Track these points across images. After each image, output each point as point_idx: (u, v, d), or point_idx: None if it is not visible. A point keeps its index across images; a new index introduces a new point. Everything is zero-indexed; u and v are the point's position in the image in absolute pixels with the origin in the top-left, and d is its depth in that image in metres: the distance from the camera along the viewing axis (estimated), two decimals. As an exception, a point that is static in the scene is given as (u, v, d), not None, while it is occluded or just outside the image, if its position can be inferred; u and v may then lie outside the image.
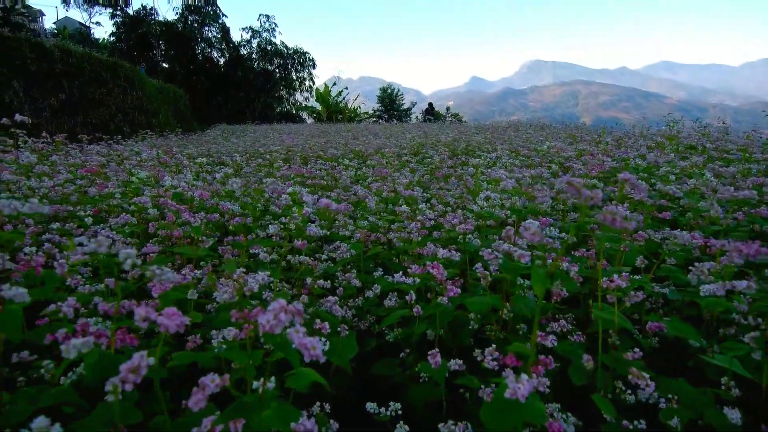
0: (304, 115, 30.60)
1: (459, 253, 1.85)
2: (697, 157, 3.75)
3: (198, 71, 28.13)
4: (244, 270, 1.27)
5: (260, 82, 29.21)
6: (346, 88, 28.52)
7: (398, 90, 31.91)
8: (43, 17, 32.28)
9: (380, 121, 28.85)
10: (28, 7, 26.69)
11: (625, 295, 1.39)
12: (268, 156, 5.81)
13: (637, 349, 1.35)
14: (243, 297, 1.20)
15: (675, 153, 4.34)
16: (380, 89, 32.08)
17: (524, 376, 0.89)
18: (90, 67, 13.94)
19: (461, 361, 1.33)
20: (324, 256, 2.49)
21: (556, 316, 1.68)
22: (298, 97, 31.38)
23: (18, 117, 4.13)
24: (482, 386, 1.18)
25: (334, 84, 28.95)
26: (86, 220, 2.44)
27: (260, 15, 30.32)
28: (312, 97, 30.82)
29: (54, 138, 5.31)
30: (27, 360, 1.29)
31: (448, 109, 32.03)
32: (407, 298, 1.63)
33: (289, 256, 2.34)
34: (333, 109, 27.38)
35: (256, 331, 1.06)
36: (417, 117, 30.26)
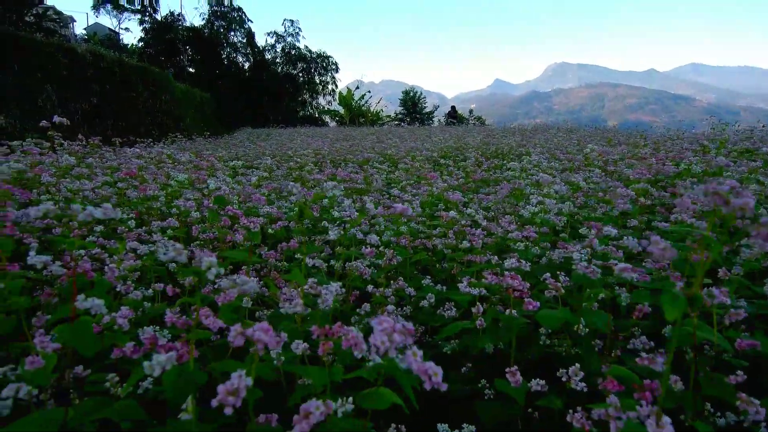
0: (327, 118, 30.75)
1: (526, 262, 1.74)
2: (753, 162, 3.56)
3: (223, 75, 28.52)
4: (315, 281, 1.19)
5: (284, 86, 29.46)
6: (369, 92, 28.57)
7: (421, 93, 31.82)
8: (74, 23, 33.17)
9: (402, 124, 28.79)
10: (60, 14, 27.41)
11: (725, 311, 1.27)
12: (298, 159, 5.77)
13: (740, 372, 1.23)
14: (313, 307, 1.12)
15: (725, 157, 4.14)
16: (403, 92, 32.05)
17: (666, 419, 0.78)
18: (120, 71, 14.21)
19: (543, 381, 1.23)
20: (366, 262, 2.41)
21: (634, 332, 1.56)
22: (321, 100, 31.57)
23: (56, 118, 4.16)
24: (569, 410, 1.08)
25: (357, 87, 29.03)
26: (129, 223, 2.41)
27: (285, 20, 30.67)
28: (334, 100, 30.93)
29: (89, 140, 5.37)
30: (81, 375, 1.23)
31: (471, 111, 31.81)
32: (474, 309, 1.53)
33: (332, 261, 2.27)
34: (355, 112, 27.45)
35: (337, 348, 0.98)
36: (439, 120, 30.12)
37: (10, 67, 10.29)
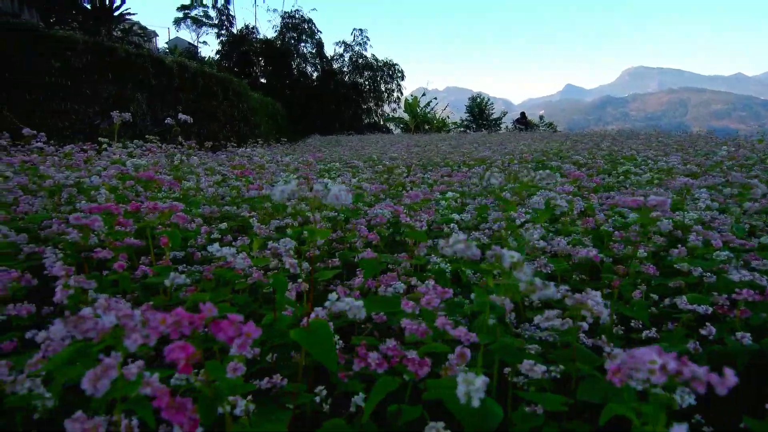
0: (391, 125, 30.74)
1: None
2: None
3: (293, 85, 29.35)
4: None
5: (350, 94, 29.84)
6: (435, 99, 28.23)
7: (488, 99, 31.07)
8: (157, 38, 35.54)
9: (467, 131, 28.21)
10: (144, 29, 29.41)
11: None
12: (386, 162, 5.53)
13: None
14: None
15: None
16: (469, 99, 31.42)
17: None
18: (203, 81, 14.82)
19: None
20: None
21: None
22: (386, 108, 31.66)
23: (182, 116, 4.17)
24: None
25: (423, 94, 28.76)
26: (251, 221, 2.25)
27: (354, 29, 31.18)
28: (399, 108, 30.89)
29: (185, 144, 5.46)
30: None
31: (541, 118, 30.61)
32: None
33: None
34: (421, 119, 27.19)
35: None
36: (507, 127, 29.20)
37: (106, 78, 10.93)
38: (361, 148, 10.89)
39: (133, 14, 28.99)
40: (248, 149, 6.24)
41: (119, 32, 23.92)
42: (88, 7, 26.54)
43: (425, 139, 14.42)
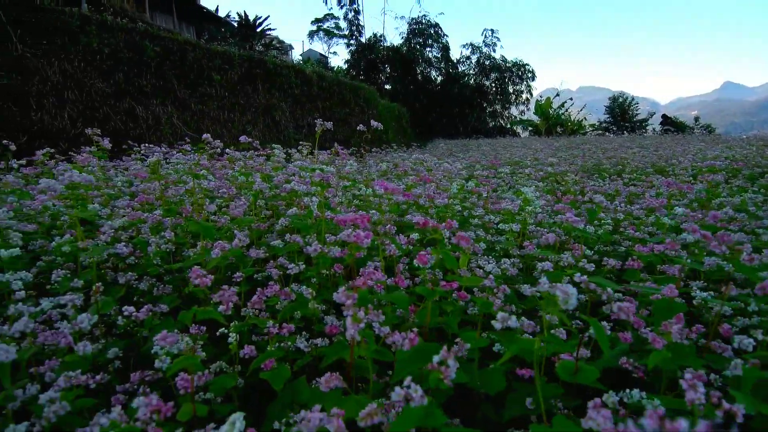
0: (518, 128, 29.27)
1: None
2: None
3: (416, 90, 29.48)
4: None
5: (474, 97, 29.11)
6: (571, 99, 26.18)
7: (632, 99, 28.05)
8: (292, 50, 38.31)
9: (606, 133, 25.70)
10: (282, 42, 31.80)
11: None
12: (549, 168, 4.96)
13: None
14: None
15: None
16: (609, 98, 28.72)
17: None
18: (338, 89, 15.37)
19: None
20: None
21: None
22: (513, 110, 30.29)
23: (322, 122, 4.09)
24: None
25: (557, 95, 26.89)
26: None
27: (484, 29, 30.31)
28: (528, 110, 29.33)
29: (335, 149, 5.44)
30: None
31: (696, 119, 26.86)
32: None
33: None
34: (554, 121, 25.38)
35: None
36: (654, 129, 26.08)
37: (256, 88, 11.77)
38: (496, 152, 10.27)
39: (273, 29, 31.54)
40: (401, 153, 6.08)
41: (261, 46, 26.18)
42: (235, 24, 29.51)
43: (565, 143, 13.28)
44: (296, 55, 38.36)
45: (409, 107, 26.01)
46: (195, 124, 9.43)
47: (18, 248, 1.69)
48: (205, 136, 4.07)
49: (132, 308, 1.49)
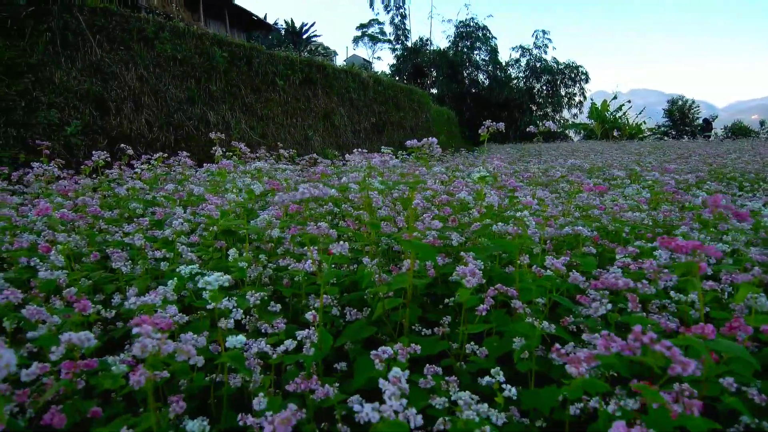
0: (571, 132, 28.27)
1: None
2: None
3: (463, 94, 29.00)
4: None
5: (524, 100, 28.37)
6: (629, 101, 25.00)
7: (692, 102, 26.60)
8: (336, 56, 38.59)
9: (665, 138, 24.44)
10: (327, 48, 32.04)
11: None
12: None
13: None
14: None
15: None
16: (668, 101, 27.37)
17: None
18: (393, 93, 15.15)
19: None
20: None
21: None
22: (565, 114, 29.33)
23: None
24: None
25: (615, 97, 25.75)
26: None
27: (535, 31, 29.55)
28: (581, 113, 28.33)
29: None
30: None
31: (762, 123, 25.20)
32: None
33: None
34: (611, 125, 24.27)
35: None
36: (716, 133, 24.64)
37: (315, 92, 11.68)
38: (558, 158, 9.68)
39: (318, 36, 31.79)
40: (468, 157, 5.73)
41: (306, 53, 26.39)
42: (282, 31, 29.91)
43: (635, 147, 12.54)
44: (340, 60, 38.61)
45: (456, 111, 25.59)
46: (261, 129, 9.38)
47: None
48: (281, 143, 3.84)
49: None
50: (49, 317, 1.31)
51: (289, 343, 1.31)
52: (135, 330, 0.93)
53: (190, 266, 1.46)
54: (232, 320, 1.31)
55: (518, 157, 9.86)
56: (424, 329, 1.77)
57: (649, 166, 5.92)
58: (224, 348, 1.22)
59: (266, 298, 1.66)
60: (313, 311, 1.43)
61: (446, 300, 1.90)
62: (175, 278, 1.47)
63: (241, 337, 1.20)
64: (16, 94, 6.03)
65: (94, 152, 3.51)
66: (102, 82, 7.06)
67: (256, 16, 25.72)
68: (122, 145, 4.72)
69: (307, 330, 1.34)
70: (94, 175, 3.62)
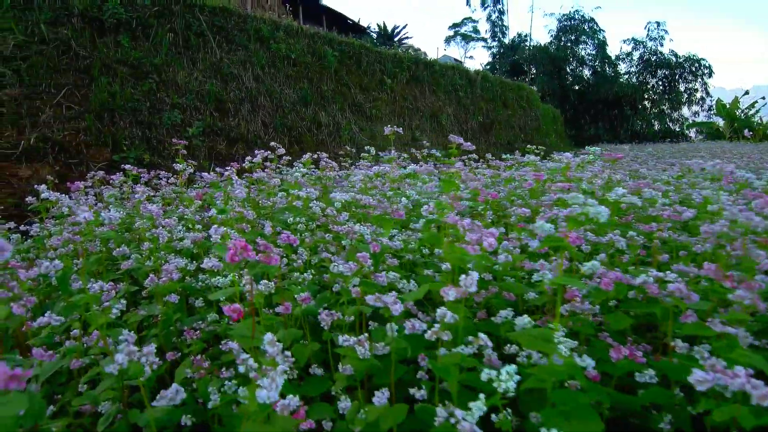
0: (690, 132, 25.10)
1: None
2: None
3: (566, 90, 26.97)
4: None
5: (636, 96, 25.71)
6: (763, 98, 21.55)
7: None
8: (426, 57, 37.84)
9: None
10: (417, 50, 31.45)
11: None
12: None
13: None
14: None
15: None
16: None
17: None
18: (500, 90, 14.14)
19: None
20: None
21: None
22: (685, 111, 26.12)
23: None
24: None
25: (746, 93, 22.25)
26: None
27: (648, 22, 26.67)
28: (703, 110, 25.10)
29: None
30: None
31: None
32: None
33: None
34: (742, 124, 20.99)
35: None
36: None
37: (422, 90, 11.04)
38: (687, 160, 8.01)
39: (409, 37, 31.29)
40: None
41: (398, 54, 25.98)
42: (374, 35, 29.80)
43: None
44: (431, 60, 37.91)
45: (560, 109, 23.78)
46: (369, 130, 8.91)
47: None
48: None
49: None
50: None
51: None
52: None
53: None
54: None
55: (654, 160, 8.47)
56: None
57: None
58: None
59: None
60: None
61: None
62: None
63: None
64: (142, 94, 6.00)
65: (257, 151, 3.08)
66: (221, 82, 6.93)
67: (351, 20, 25.83)
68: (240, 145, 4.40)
69: None
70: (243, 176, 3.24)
